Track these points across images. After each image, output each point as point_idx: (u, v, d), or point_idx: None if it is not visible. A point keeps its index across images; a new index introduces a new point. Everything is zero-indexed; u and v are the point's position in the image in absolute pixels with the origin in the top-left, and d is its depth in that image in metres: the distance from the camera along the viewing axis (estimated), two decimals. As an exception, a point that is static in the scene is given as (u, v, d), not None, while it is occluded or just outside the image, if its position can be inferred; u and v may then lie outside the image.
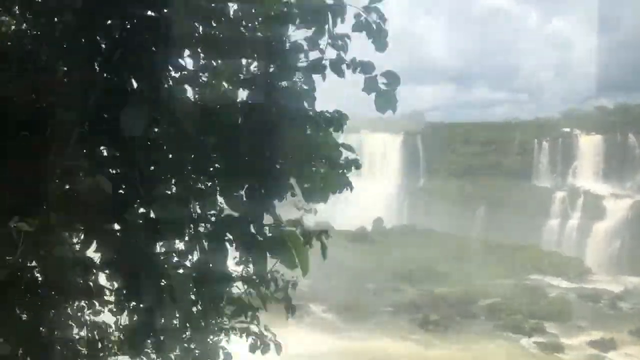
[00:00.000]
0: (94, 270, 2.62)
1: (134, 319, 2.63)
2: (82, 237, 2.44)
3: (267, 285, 3.78)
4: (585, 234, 55.40)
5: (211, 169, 2.62)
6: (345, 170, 3.37)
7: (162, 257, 2.51)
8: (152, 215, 2.34)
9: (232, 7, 2.55)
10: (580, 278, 37.78)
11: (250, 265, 3.26)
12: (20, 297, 2.42)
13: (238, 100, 2.63)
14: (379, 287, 32.71)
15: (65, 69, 2.35)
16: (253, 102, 2.56)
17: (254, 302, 3.71)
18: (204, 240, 2.51)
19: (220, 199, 2.60)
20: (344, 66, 2.56)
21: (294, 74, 2.66)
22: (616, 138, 66.05)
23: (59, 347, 3.11)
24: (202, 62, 2.58)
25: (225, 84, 2.71)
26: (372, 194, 69.39)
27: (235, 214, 2.52)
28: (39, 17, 2.49)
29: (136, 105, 2.12)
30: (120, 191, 2.34)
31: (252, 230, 2.53)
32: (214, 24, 2.50)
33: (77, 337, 3.43)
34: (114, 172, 2.41)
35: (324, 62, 2.59)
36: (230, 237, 2.46)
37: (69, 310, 3.40)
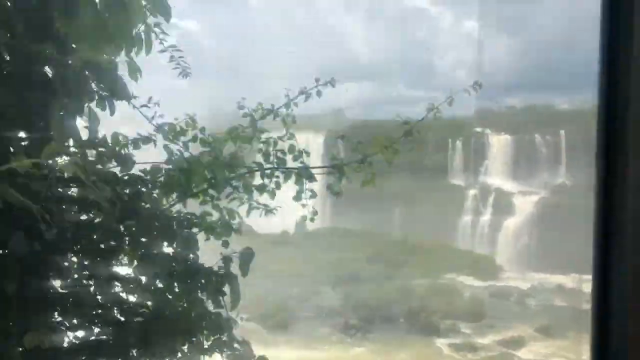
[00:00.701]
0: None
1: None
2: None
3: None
4: (496, 230, 58.25)
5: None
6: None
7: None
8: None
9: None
10: (492, 276, 39.70)
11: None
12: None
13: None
14: (301, 292, 32.86)
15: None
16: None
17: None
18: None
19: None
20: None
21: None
22: (524, 138, 69.84)
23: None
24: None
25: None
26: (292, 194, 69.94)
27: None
28: None
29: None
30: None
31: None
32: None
33: None
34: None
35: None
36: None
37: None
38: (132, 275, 4.16)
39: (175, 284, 4.33)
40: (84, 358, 4.01)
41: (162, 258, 4.23)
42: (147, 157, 4.57)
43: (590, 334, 2.01)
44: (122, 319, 4.14)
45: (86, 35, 3.15)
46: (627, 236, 1.91)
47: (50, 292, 3.87)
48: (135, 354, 4.12)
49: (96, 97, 3.80)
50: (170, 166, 4.50)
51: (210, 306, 4.50)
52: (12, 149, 3.34)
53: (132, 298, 4.18)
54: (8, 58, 3.34)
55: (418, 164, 68.53)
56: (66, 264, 3.95)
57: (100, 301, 4.02)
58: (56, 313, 3.93)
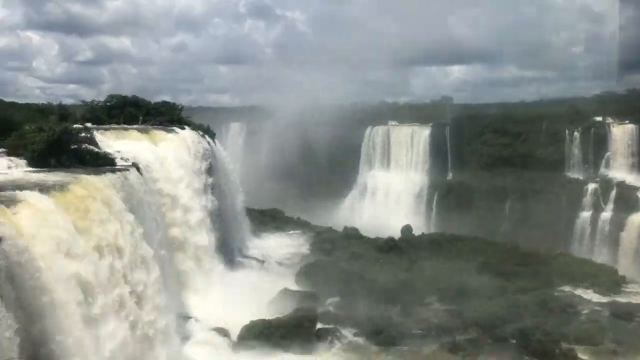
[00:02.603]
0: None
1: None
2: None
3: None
4: (619, 228, 54.64)
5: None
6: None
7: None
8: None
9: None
10: (613, 289, 37.26)
11: None
12: None
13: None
14: (408, 305, 32.86)
15: None
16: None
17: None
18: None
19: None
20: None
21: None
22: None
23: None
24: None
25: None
26: (400, 188, 69.52)
27: None
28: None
29: None
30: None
31: None
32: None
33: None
34: None
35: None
36: None
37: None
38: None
39: None
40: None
41: None
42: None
43: None
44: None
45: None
46: None
47: None
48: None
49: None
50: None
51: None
52: None
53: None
54: None
55: (531, 157, 65.63)
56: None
57: None
58: None
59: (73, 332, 14.37)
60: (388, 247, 42.25)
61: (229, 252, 36.55)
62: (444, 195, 66.87)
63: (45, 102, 41.28)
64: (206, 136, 38.10)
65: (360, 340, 29.26)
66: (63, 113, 40.31)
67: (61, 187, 18.63)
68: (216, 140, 40.79)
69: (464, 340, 29.07)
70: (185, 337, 26.32)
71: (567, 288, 37.12)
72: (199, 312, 29.19)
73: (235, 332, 27.92)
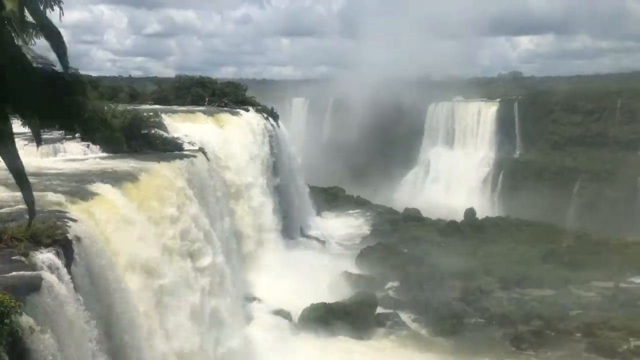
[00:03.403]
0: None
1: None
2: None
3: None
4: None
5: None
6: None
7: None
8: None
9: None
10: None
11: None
12: None
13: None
14: (469, 292, 32.52)
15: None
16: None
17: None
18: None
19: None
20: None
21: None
22: None
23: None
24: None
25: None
26: (464, 167, 68.05)
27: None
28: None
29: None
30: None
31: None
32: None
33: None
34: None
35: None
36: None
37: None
38: None
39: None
40: None
41: None
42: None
43: None
44: None
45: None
46: None
47: None
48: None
49: None
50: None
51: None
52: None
53: None
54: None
55: (605, 136, 62.58)
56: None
57: None
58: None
59: (143, 321, 15.17)
60: (450, 231, 41.73)
61: (291, 232, 37.21)
62: (510, 174, 65.03)
63: (115, 75, 42.83)
64: (270, 118, 38.53)
65: (418, 326, 29.31)
66: (133, 93, 41.83)
67: (133, 178, 19.46)
68: (279, 122, 41.18)
69: (527, 331, 28.54)
70: (248, 318, 27.20)
71: (638, 280, 35.56)
72: (261, 292, 30.02)
73: (296, 314, 28.60)
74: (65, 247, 12.20)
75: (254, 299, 29.33)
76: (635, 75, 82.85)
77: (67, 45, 5.32)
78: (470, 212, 45.27)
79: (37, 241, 11.48)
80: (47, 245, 11.43)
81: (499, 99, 70.99)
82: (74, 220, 13.77)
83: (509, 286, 33.58)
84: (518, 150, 68.17)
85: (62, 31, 5.28)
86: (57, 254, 11.46)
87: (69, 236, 12.92)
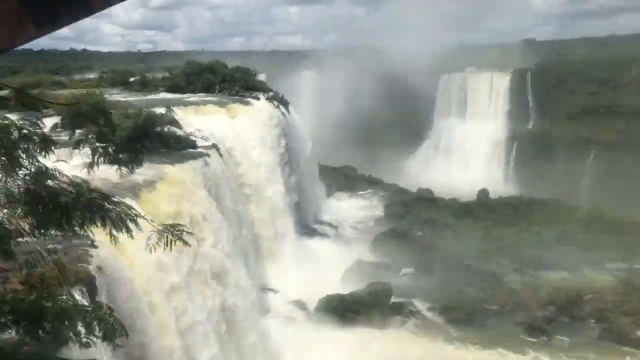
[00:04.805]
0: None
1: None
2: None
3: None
4: None
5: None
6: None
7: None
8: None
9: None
10: None
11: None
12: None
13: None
14: (483, 278, 32.79)
15: None
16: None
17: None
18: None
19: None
20: None
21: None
22: None
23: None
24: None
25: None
26: (476, 139, 67.51)
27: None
28: None
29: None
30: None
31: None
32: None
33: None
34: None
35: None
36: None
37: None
38: None
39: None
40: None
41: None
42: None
43: None
44: None
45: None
46: None
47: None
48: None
49: None
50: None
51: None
52: None
53: None
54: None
55: (621, 105, 61.48)
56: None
57: None
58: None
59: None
60: (463, 212, 41.80)
61: (304, 219, 37.50)
62: (523, 146, 64.45)
63: (125, 50, 42.68)
64: (280, 106, 38.40)
65: (433, 315, 29.73)
66: (143, 80, 41.75)
67: (150, 186, 19.70)
68: (290, 108, 41.00)
69: (540, 318, 28.93)
70: (265, 310, 27.75)
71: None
72: (277, 283, 30.50)
73: (312, 304, 29.10)
74: (89, 284, 12.53)
75: (270, 289, 29.83)
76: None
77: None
78: (483, 193, 45.17)
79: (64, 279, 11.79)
80: (72, 285, 11.75)
81: (511, 69, 69.82)
82: (95, 247, 14.05)
83: (522, 270, 33.79)
84: (531, 121, 67.39)
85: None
86: (82, 293, 11.77)
87: (92, 269, 13.24)
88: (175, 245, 6.10)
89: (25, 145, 5.74)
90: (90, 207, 5.93)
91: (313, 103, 76.76)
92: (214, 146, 27.73)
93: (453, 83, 72.21)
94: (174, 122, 28.63)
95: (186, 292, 17.70)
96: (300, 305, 28.96)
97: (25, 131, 5.81)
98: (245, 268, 24.66)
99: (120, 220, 6.28)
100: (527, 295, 30.91)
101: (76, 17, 3.52)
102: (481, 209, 42.10)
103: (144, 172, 21.71)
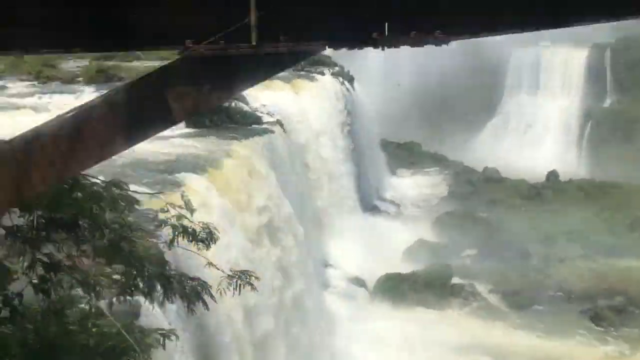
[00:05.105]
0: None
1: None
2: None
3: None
4: None
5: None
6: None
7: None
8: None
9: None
10: None
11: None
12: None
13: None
14: (549, 263, 31.99)
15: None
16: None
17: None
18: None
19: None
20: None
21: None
22: None
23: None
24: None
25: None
26: (548, 117, 64.90)
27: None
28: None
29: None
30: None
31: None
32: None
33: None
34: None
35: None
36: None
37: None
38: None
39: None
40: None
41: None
42: None
43: None
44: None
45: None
46: None
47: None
48: None
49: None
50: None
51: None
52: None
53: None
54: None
55: None
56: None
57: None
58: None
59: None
60: (531, 194, 40.61)
61: (366, 196, 37.54)
62: (599, 124, 61.41)
63: None
64: (345, 82, 38.28)
65: (495, 298, 29.38)
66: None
67: (215, 164, 20.44)
68: (354, 84, 40.78)
69: (608, 308, 27.99)
70: (324, 285, 28.23)
71: None
72: (337, 258, 30.86)
73: (371, 282, 29.37)
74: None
75: (330, 265, 30.26)
76: None
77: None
78: (552, 174, 43.54)
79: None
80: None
81: (590, 44, 66.15)
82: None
83: (590, 257, 32.63)
84: (609, 99, 64.00)
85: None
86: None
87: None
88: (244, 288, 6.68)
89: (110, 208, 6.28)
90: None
91: (379, 77, 75.83)
92: (279, 122, 28.11)
93: (526, 57, 69.30)
94: (241, 97, 29.14)
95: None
96: (359, 282, 29.27)
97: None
98: (307, 242, 25.15)
99: (195, 294, 6.88)
100: (595, 283, 29.94)
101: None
102: (550, 191, 40.74)
103: (210, 147, 22.49)
